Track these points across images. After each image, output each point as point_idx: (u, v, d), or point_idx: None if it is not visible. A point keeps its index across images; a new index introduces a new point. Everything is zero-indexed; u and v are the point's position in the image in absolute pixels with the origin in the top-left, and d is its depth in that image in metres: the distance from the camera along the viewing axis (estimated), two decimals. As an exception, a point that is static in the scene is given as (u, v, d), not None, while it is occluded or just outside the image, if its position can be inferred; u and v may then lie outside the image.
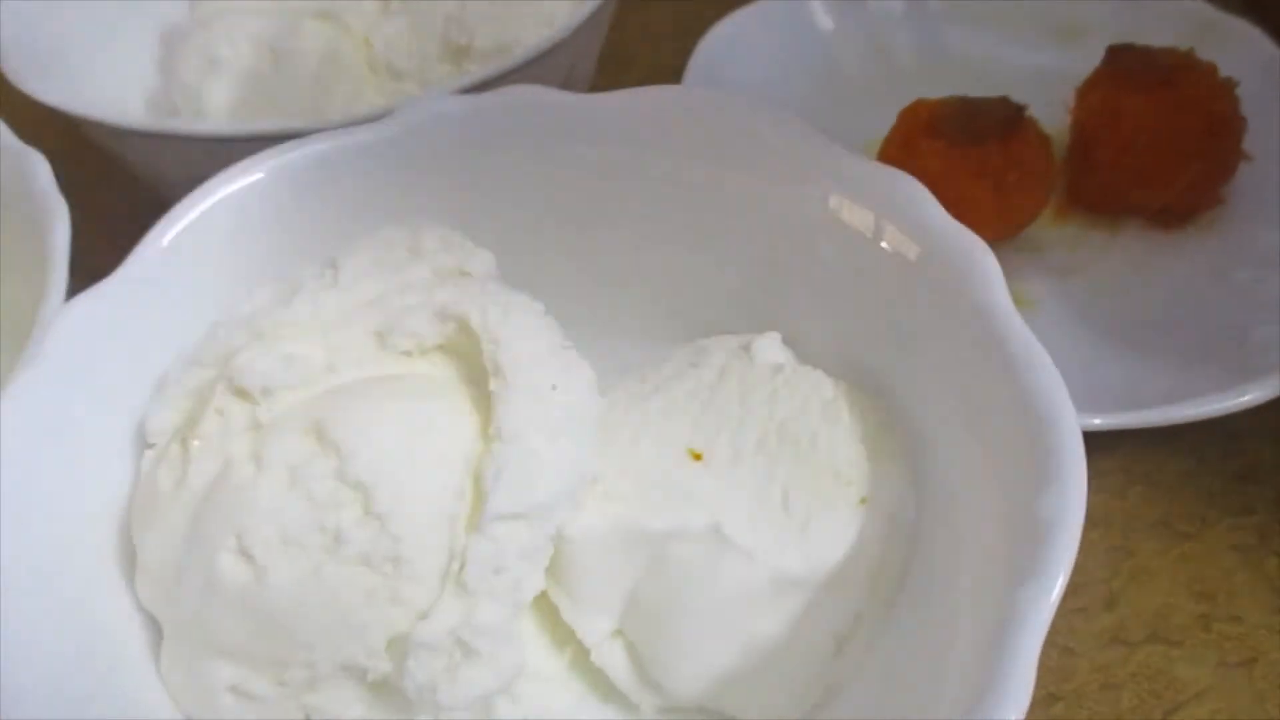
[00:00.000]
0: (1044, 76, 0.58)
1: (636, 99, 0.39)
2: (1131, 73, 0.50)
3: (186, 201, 0.36)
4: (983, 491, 0.32)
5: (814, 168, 0.37)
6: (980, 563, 0.30)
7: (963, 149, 0.47)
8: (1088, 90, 0.52)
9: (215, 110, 0.47)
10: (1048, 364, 0.31)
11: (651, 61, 0.64)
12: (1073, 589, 0.41)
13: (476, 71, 0.45)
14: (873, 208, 0.36)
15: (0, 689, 0.27)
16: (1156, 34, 0.58)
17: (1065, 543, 0.27)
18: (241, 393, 0.32)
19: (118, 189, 0.49)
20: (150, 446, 0.34)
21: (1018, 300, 0.49)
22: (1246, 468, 0.45)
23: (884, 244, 0.36)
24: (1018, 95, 0.57)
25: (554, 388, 0.32)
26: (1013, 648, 0.26)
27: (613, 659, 0.35)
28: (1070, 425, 0.29)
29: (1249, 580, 0.42)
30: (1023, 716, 0.25)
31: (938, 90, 0.58)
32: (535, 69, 0.46)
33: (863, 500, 0.34)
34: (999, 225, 0.49)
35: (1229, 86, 0.50)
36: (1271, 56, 0.55)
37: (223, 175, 0.37)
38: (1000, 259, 0.50)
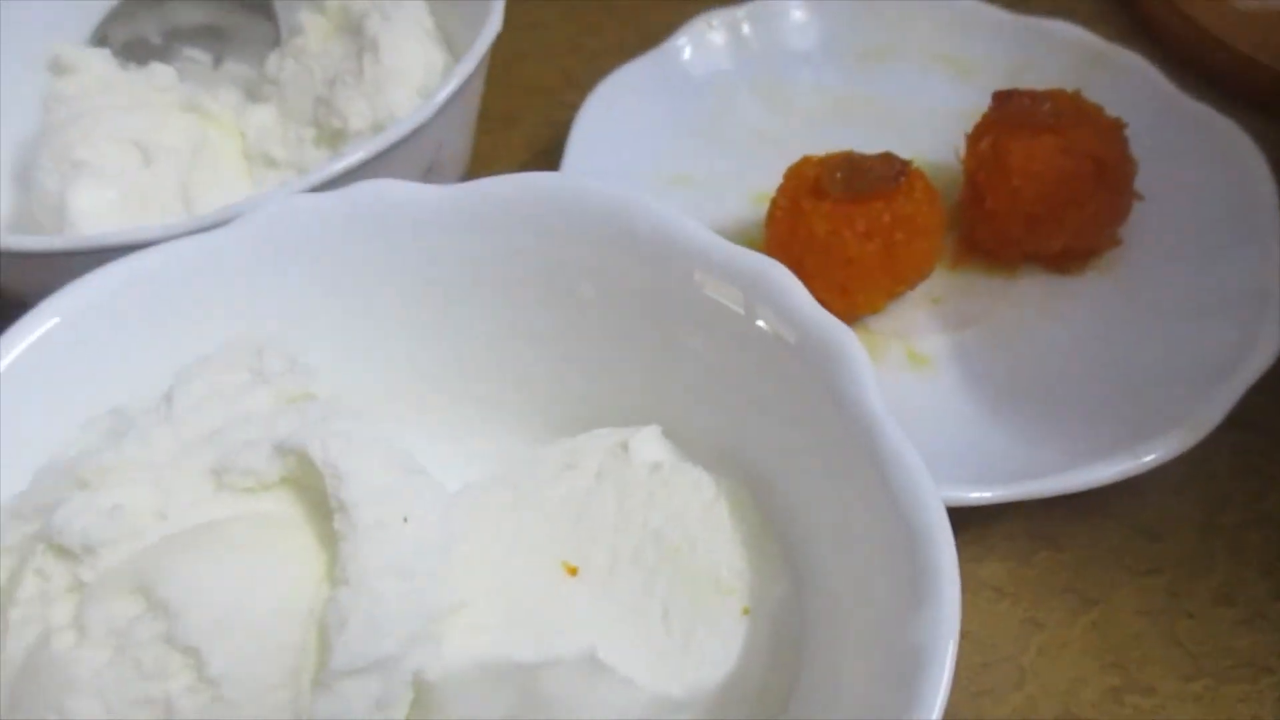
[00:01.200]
0: (940, 113, 0.57)
1: (495, 188, 0.37)
2: (1018, 118, 0.49)
3: (5, 338, 0.33)
4: (863, 600, 0.30)
5: (680, 254, 0.36)
6: (862, 681, 0.29)
7: (849, 209, 0.46)
8: (976, 137, 0.50)
9: (80, 214, 0.45)
10: (920, 469, 0.29)
11: (538, 117, 0.62)
12: (981, 668, 0.41)
13: (351, 155, 0.42)
14: (741, 293, 0.35)
15: None
16: (1048, 67, 0.57)
17: (938, 675, 0.26)
18: (62, 551, 0.29)
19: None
20: (-29, 611, 0.31)
21: (914, 359, 0.49)
22: (1152, 523, 0.44)
23: (753, 331, 0.34)
24: (913, 134, 0.57)
25: (405, 519, 0.30)
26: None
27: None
28: (944, 538, 0.28)
29: (1159, 645, 0.40)
30: None
31: (831, 133, 0.57)
32: (410, 145, 0.44)
33: (745, 610, 0.32)
34: (890, 283, 0.48)
35: (1117, 128, 0.49)
36: (1161, 89, 0.54)
37: (44, 304, 0.34)
38: (897, 313, 0.50)
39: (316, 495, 0.31)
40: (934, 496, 0.28)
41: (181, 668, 0.28)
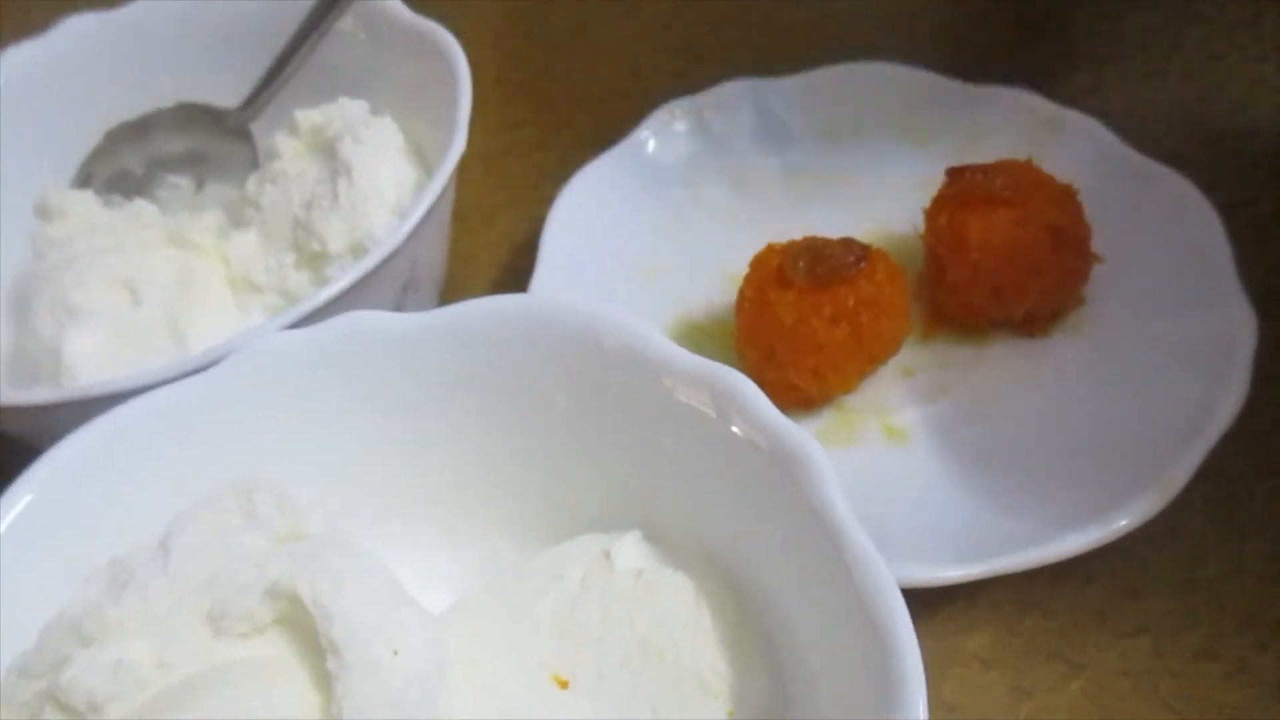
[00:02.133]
0: (901, 184, 0.59)
1: (469, 313, 0.39)
2: (972, 192, 0.50)
3: (6, 496, 0.34)
4: (839, 699, 0.31)
5: (649, 364, 0.37)
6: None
7: (814, 296, 0.47)
8: (934, 212, 0.52)
9: (77, 360, 0.46)
10: (884, 574, 0.30)
11: (515, 214, 0.64)
12: (973, 740, 0.41)
13: (333, 286, 0.44)
14: (708, 399, 0.36)
15: None
16: (1002, 131, 0.59)
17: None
18: (68, 710, 0.31)
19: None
20: (-15, 771, 0.32)
21: (890, 433, 0.50)
22: (1134, 582, 0.45)
23: (722, 432, 0.36)
24: (877, 206, 0.58)
25: (395, 654, 0.32)
26: None
27: None
28: (909, 645, 0.29)
29: (1146, 707, 0.41)
30: None
31: (798, 211, 0.59)
32: (388, 266, 0.46)
33: (730, 713, 0.34)
34: (860, 363, 0.49)
35: (1069, 194, 0.51)
36: (1114, 150, 0.56)
37: (49, 455, 0.35)
38: (871, 389, 0.52)
39: (310, 634, 0.32)
40: (896, 598, 0.29)
41: (188, 819, 0.29)
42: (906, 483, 0.47)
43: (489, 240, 0.63)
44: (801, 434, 0.34)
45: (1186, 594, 0.44)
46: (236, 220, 0.56)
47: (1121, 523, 0.42)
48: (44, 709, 0.31)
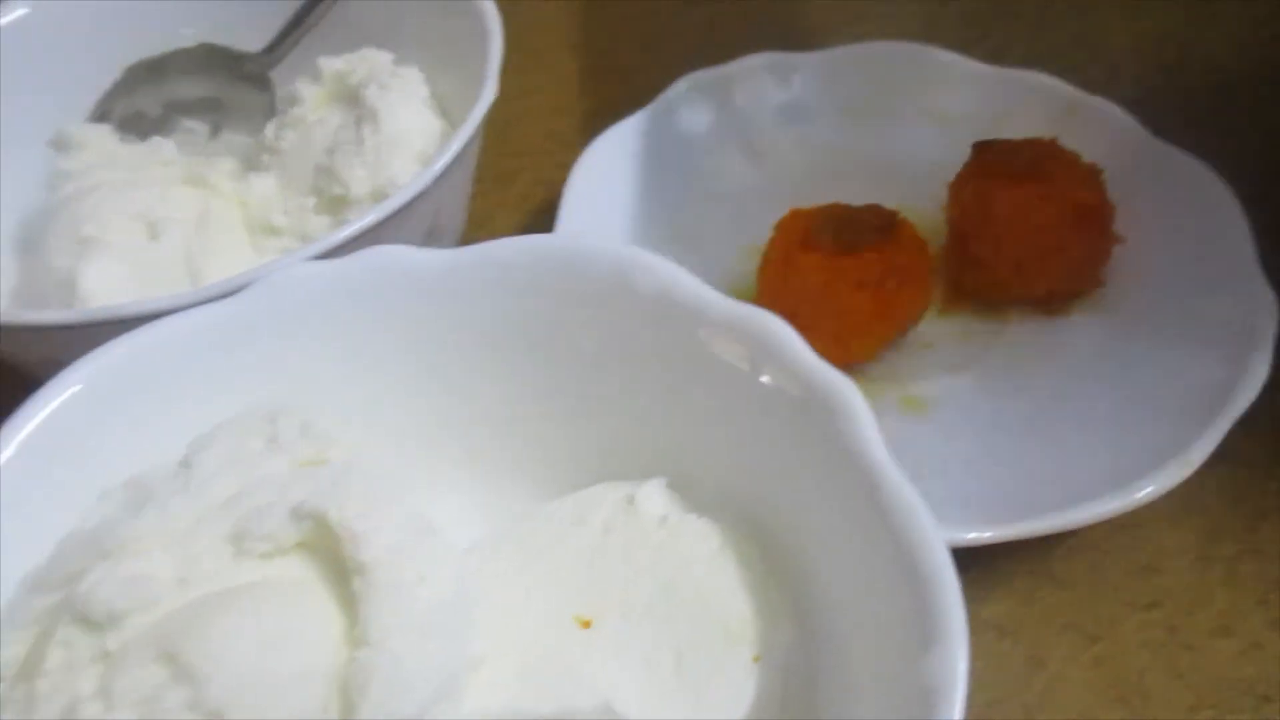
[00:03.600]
0: (922, 163, 0.59)
1: (494, 252, 0.39)
2: (998, 167, 0.50)
3: (19, 414, 0.34)
4: (871, 645, 0.31)
5: (682, 310, 0.37)
6: (875, 723, 0.30)
7: (839, 261, 0.47)
8: (958, 187, 0.52)
9: (91, 290, 0.45)
10: (923, 514, 0.30)
11: (532, 177, 0.64)
12: (988, 706, 0.41)
13: (356, 223, 0.43)
14: (742, 347, 0.36)
15: None
16: (1025, 115, 0.59)
17: (953, 705, 0.26)
18: (86, 621, 0.30)
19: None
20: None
21: (910, 404, 0.50)
22: (1150, 557, 0.45)
23: (754, 383, 0.35)
24: (898, 184, 0.58)
25: (421, 579, 0.31)
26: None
27: None
28: (950, 582, 0.28)
29: (1161, 679, 0.41)
30: None
31: (818, 186, 0.59)
32: (411, 210, 0.45)
33: (756, 658, 0.33)
34: (883, 330, 0.49)
35: (1094, 173, 0.51)
36: (1135, 135, 0.56)
37: (62, 375, 0.35)
38: (891, 361, 0.51)
39: (332, 558, 0.32)
40: (938, 540, 0.29)
41: (207, 733, 0.28)
42: (924, 452, 0.46)
43: (504, 203, 0.63)
44: (843, 379, 0.33)
45: (1202, 570, 0.44)
46: (251, 167, 0.55)
47: (1139, 494, 0.42)
48: (59, 623, 0.30)
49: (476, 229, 0.59)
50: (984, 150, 0.51)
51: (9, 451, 0.33)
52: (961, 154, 0.53)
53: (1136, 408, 0.47)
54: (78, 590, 0.30)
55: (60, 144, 0.51)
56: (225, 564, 0.32)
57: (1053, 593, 0.44)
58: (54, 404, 0.34)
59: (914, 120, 0.62)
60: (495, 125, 0.54)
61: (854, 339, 0.48)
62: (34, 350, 0.43)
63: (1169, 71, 0.67)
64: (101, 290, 0.45)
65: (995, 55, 0.62)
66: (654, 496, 0.37)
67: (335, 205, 0.50)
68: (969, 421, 0.48)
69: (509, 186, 0.63)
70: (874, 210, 0.49)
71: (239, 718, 0.28)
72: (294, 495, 0.32)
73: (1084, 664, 0.42)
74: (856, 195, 0.53)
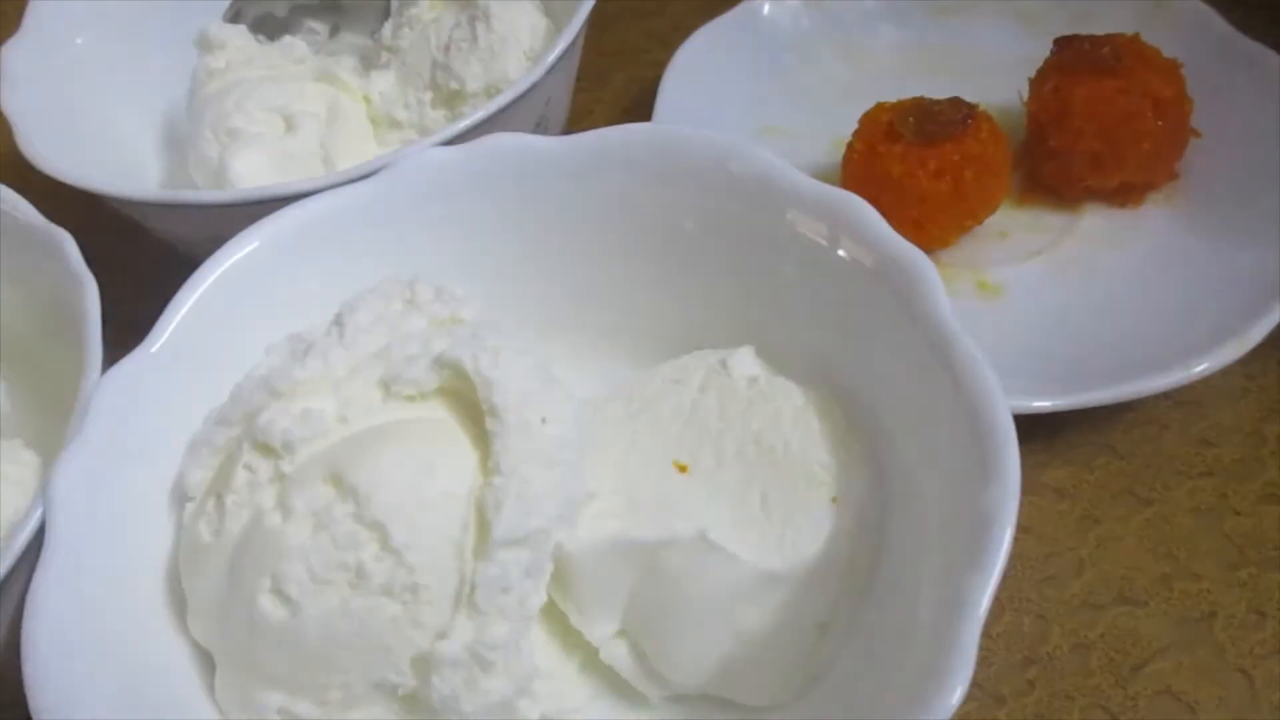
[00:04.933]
0: (1006, 61, 0.61)
1: (604, 138, 0.43)
2: (1079, 62, 0.52)
3: (198, 273, 0.39)
4: (936, 488, 0.35)
5: (772, 192, 0.40)
6: (935, 553, 0.34)
7: (920, 150, 0.50)
8: (1039, 81, 0.54)
9: (236, 176, 0.51)
10: (986, 370, 0.33)
11: (627, 75, 0.67)
12: (1044, 558, 0.45)
13: (470, 115, 0.48)
14: (826, 226, 0.39)
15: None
16: (1110, 15, 0.60)
17: (1003, 535, 0.30)
18: (265, 448, 0.36)
19: (138, 248, 0.53)
20: (189, 500, 0.37)
21: (984, 288, 0.53)
22: (1206, 431, 0.48)
23: (837, 258, 0.39)
24: (982, 81, 0.60)
25: (544, 421, 0.36)
26: (956, 634, 0.29)
27: (619, 657, 0.38)
28: (1006, 427, 0.32)
29: (1208, 539, 0.45)
30: (964, 693, 0.28)
31: (903, 83, 0.61)
32: (521, 106, 0.49)
33: (834, 500, 0.37)
34: (960, 218, 0.52)
35: (1173, 68, 0.52)
36: (1218, 31, 0.57)
37: (231, 244, 0.40)
38: (967, 247, 0.55)
39: (467, 402, 0.37)
40: (998, 390, 0.33)
41: (369, 540, 0.34)
42: (996, 331, 0.50)
43: (602, 99, 0.66)
44: (916, 251, 0.37)
45: (1255, 445, 0.47)
46: (369, 65, 0.59)
47: (1196, 369, 0.45)
48: (241, 449, 0.36)
49: (577, 123, 0.63)
50: (1065, 46, 0.53)
51: (194, 298, 0.38)
52: (1044, 50, 0.55)
53: (1200, 292, 0.49)
54: (257, 423, 0.36)
55: (205, 43, 0.56)
56: (377, 405, 0.37)
57: (1111, 461, 0.48)
58: (230, 262, 0.39)
59: (999, 17, 0.64)
60: (594, 24, 0.57)
61: (932, 225, 0.51)
62: (193, 229, 0.49)
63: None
64: (248, 176, 0.51)
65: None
66: (745, 360, 0.41)
67: (451, 99, 0.55)
68: (1039, 304, 0.51)
69: (607, 83, 0.67)
70: (955, 103, 0.51)
71: (394, 529, 0.34)
72: (434, 347, 0.37)
73: (1136, 524, 0.45)
74: (940, 90, 0.56)
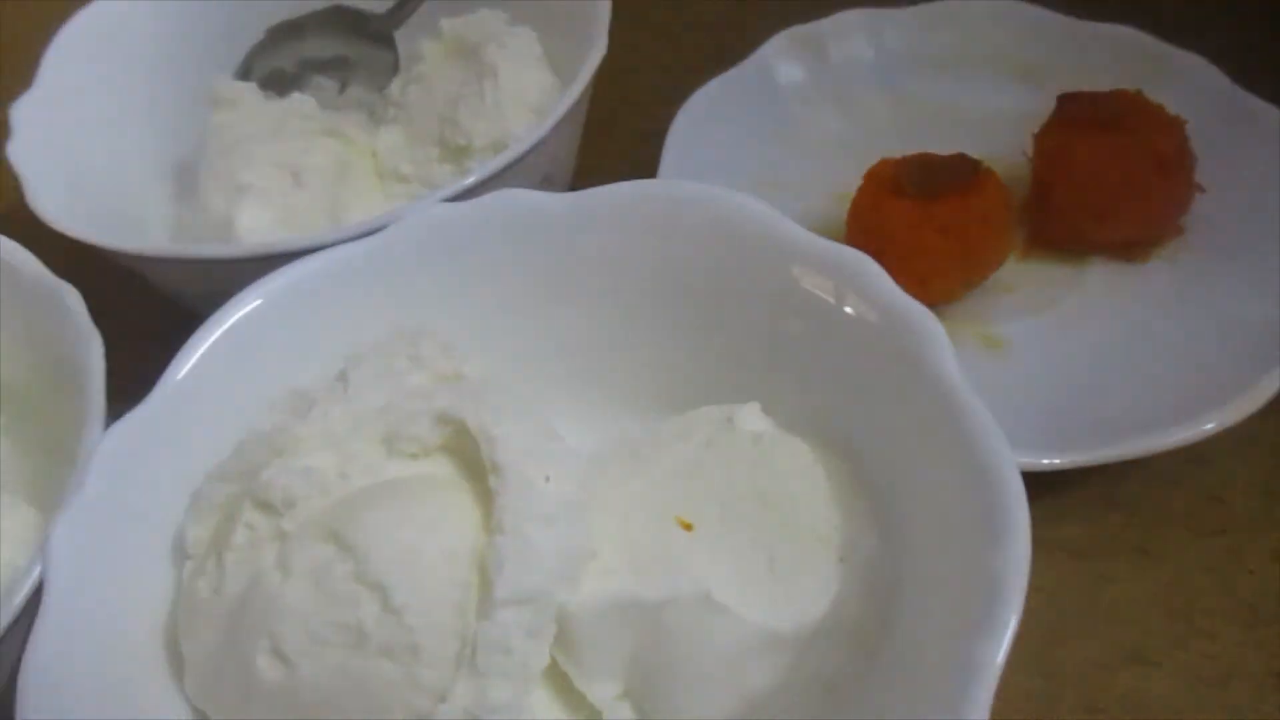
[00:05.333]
0: (1007, 116, 0.61)
1: (610, 194, 0.43)
2: (1082, 118, 0.53)
3: (202, 330, 0.39)
4: (945, 547, 0.34)
5: (778, 249, 0.40)
6: (945, 614, 0.33)
7: (925, 206, 0.50)
8: (1043, 136, 0.54)
9: (246, 229, 0.51)
10: (994, 428, 0.33)
11: (632, 129, 0.67)
12: (1056, 618, 0.44)
13: (477, 170, 0.48)
14: (832, 283, 0.39)
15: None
16: (1110, 69, 0.61)
17: (1014, 597, 0.30)
18: (266, 506, 0.35)
19: (143, 302, 0.53)
20: (188, 559, 0.37)
21: (989, 342, 0.53)
22: (1217, 488, 0.48)
23: (844, 315, 0.39)
24: (982, 137, 0.60)
25: (547, 479, 0.36)
26: (968, 699, 0.28)
27: (623, 719, 0.38)
28: (1015, 486, 0.32)
29: (1222, 599, 0.44)
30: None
31: (905, 138, 0.61)
32: (528, 161, 0.49)
33: (841, 559, 0.37)
34: (965, 274, 0.52)
35: (1177, 124, 0.53)
36: (1219, 86, 0.58)
37: (235, 300, 0.40)
38: (972, 302, 0.54)
39: (470, 459, 0.37)
40: (1004, 447, 0.33)
41: (370, 599, 0.33)
42: (1002, 386, 0.49)
43: (609, 152, 0.66)
44: (922, 309, 0.37)
45: (1267, 501, 0.47)
46: (377, 120, 0.60)
47: (1206, 426, 0.44)
48: (242, 506, 0.36)
49: (584, 175, 0.63)
50: (1069, 102, 0.54)
51: (198, 355, 0.38)
52: (1047, 106, 0.56)
53: (1208, 345, 0.49)
54: (259, 480, 0.36)
55: (216, 100, 0.56)
56: (379, 461, 0.37)
57: (1123, 518, 0.47)
58: (235, 316, 0.39)
59: (1003, 74, 0.64)
60: (601, 75, 0.58)
61: (936, 280, 0.51)
62: (198, 283, 0.49)
63: (1255, 25, 0.68)
64: (255, 230, 0.51)
65: (1082, 8, 0.64)
66: (751, 417, 0.41)
67: (457, 155, 0.55)
68: (1045, 358, 0.51)
69: (612, 137, 0.67)
70: (960, 159, 0.51)
71: (395, 588, 0.33)
72: (437, 404, 0.37)
73: (1150, 584, 0.45)
74: (943, 146, 0.56)
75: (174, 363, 0.39)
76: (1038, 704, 0.42)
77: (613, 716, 0.38)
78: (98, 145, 0.56)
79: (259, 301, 0.40)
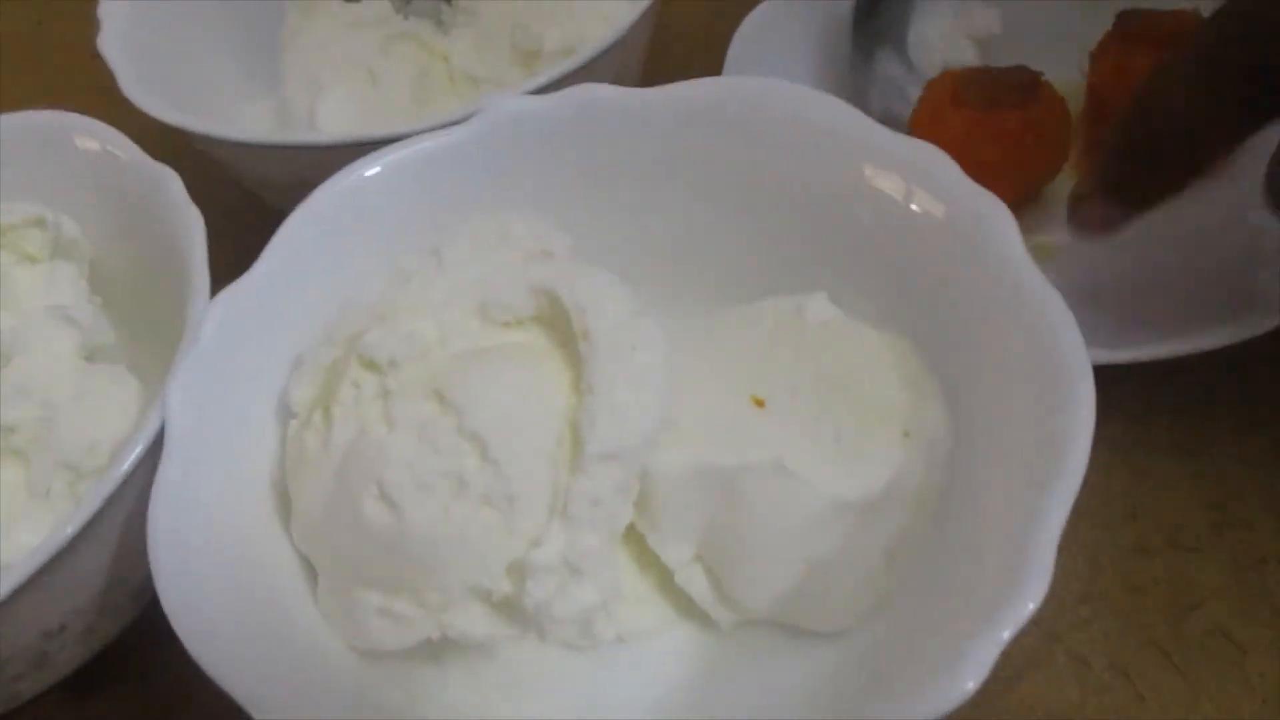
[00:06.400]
0: (1065, 38, 0.62)
1: (686, 91, 0.44)
2: (1141, 34, 0.54)
3: (306, 203, 0.41)
4: (1009, 418, 0.36)
5: (849, 142, 0.42)
6: (1008, 477, 0.35)
7: (984, 116, 0.52)
8: (1100, 54, 0.56)
9: (324, 123, 0.53)
10: (1060, 304, 0.35)
11: (695, 40, 0.69)
12: (1097, 506, 0.47)
13: (547, 73, 0.50)
14: (903, 175, 0.41)
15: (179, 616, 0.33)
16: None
17: (1080, 450, 0.32)
18: (371, 366, 0.38)
19: (220, 197, 0.55)
20: (293, 416, 0.40)
21: (1041, 250, 0.54)
22: (1255, 392, 0.49)
23: (914, 207, 0.41)
24: (1042, 59, 0.62)
25: (633, 348, 0.38)
26: (1035, 543, 0.31)
27: (694, 581, 0.40)
28: (1080, 353, 0.34)
29: (1258, 493, 0.46)
30: (1041, 601, 0.30)
31: (964, 59, 0.63)
32: (596, 65, 0.51)
33: (905, 433, 0.39)
34: (1021, 184, 0.54)
35: (1232, 42, 0.54)
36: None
37: (339, 175, 0.42)
38: (1025, 213, 0.56)
39: (560, 329, 0.39)
40: (1071, 324, 0.35)
41: (470, 451, 0.36)
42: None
43: (673, 60, 0.68)
44: (993, 198, 0.39)
45: (1309, 405, 0.49)
46: (446, 28, 0.62)
47: (1251, 329, 0.46)
48: (348, 366, 0.38)
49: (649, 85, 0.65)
50: (1127, 19, 0.55)
51: (300, 224, 0.41)
52: (1106, 23, 0.57)
53: (1253, 261, 0.51)
54: (363, 341, 0.38)
55: (296, 3, 0.58)
56: (475, 329, 0.39)
57: (1163, 417, 0.49)
58: (347, 181, 0.42)
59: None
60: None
61: (993, 189, 0.52)
62: (285, 172, 0.51)
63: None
64: (336, 124, 0.53)
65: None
66: (819, 305, 0.43)
67: (528, 59, 0.57)
68: (1095, 266, 0.52)
69: (671, 54, 0.69)
70: (1020, 70, 0.53)
71: (493, 441, 0.36)
72: (529, 277, 0.39)
73: (1187, 475, 0.47)
74: (1005, 61, 0.58)
75: (278, 235, 0.41)
76: (1080, 581, 0.44)
77: (684, 578, 0.40)
78: (182, 39, 0.58)
79: (361, 179, 0.43)
